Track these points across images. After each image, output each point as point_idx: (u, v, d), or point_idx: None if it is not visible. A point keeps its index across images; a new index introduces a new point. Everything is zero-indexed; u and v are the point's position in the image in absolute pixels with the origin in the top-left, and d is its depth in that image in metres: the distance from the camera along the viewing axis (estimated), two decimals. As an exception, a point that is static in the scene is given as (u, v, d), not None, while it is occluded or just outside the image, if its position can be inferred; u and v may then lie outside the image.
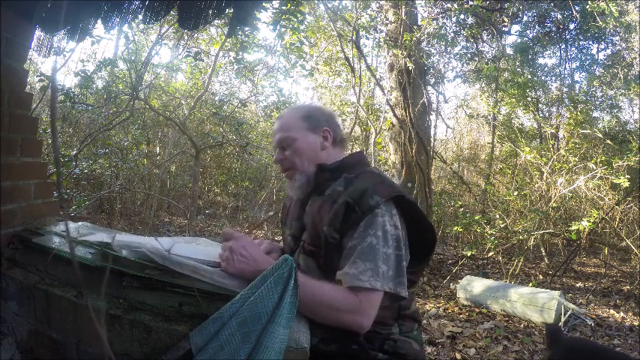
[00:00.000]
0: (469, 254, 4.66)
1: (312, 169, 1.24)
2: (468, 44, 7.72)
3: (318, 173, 1.23)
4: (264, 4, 4.04)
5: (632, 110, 9.26)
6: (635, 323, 3.66)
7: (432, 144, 6.81)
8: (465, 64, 8.11)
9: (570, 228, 4.70)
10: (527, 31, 8.71)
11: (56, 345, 1.05)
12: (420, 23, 6.01)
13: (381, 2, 6.11)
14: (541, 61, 10.19)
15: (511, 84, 7.23)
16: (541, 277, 5.30)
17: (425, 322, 3.53)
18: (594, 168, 5.32)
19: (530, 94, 7.57)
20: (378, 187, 1.10)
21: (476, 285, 4.07)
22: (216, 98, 7.99)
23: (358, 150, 7.03)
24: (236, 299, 0.91)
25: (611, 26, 7.11)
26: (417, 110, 5.59)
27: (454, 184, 8.91)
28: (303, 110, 1.30)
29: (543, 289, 3.78)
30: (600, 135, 6.42)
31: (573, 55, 9.31)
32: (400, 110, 5.63)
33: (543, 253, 6.18)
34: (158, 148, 8.81)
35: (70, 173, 5.02)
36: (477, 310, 3.89)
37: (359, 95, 6.20)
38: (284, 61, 7.41)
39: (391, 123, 5.90)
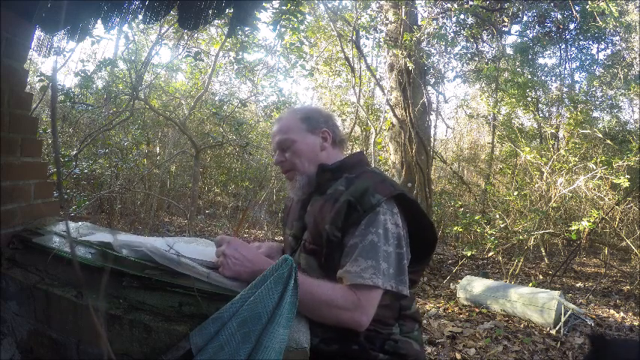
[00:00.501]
0: (469, 254, 4.66)
1: (313, 170, 1.25)
2: (468, 44, 7.72)
3: (320, 173, 1.24)
4: (264, 4, 4.04)
5: (632, 110, 9.27)
6: (635, 323, 3.66)
7: (432, 144, 6.81)
8: (465, 64, 8.11)
9: (570, 228, 4.70)
10: (527, 31, 8.71)
11: (56, 345, 1.05)
12: (420, 23, 6.01)
13: (381, 2, 6.11)
14: (541, 61, 10.20)
15: (511, 84, 7.23)
16: (541, 277, 5.30)
17: (425, 322, 3.53)
18: (594, 168, 5.32)
19: (530, 94, 7.57)
20: (379, 186, 1.11)
21: (476, 285, 4.07)
22: (216, 98, 7.99)
23: (358, 150, 7.04)
24: (236, 299, 0.91)
25: (611, 26, 7.11)
26: (417, 110, 5.59)
27: (454, 184, 8.91)
28: (301, 112, 1.31)
29: (543, 289, 3.78)
30: (600, 135, 6.42)
31: (573, 55, 9.32)
32: (400, 110, 5.63)
33: (543, 253, 6.18)
34: (158, 148, 8.81)
35: (70, 173, 5.02)
36: (477, 310, 3.89)
37: (359, 95, 6.20)
38: (284, 61, 7.42)
39: (391, 123, 5.90)
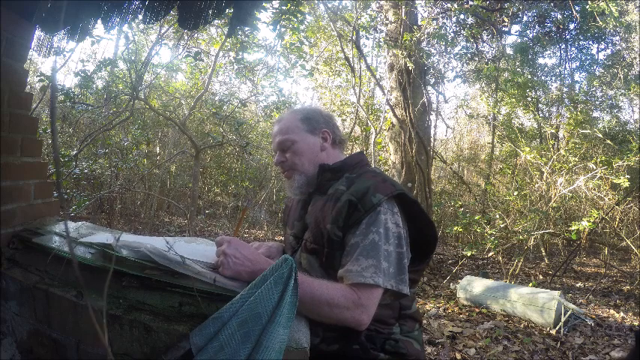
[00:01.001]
0: (469, 254, 4.66)
1: (313, 170, 1.26)
2: (468, 44, 7.72)
3: (320, 173, 1.25)
4: (264, 4, 4.05)
5: (632, 110, 9.28)
6: (635, 323, 3.66)
7: (432, 144, 6.80)
8: (465, 64, 8.11)
9: (570, 228, 4.70)
10: (527, 31, 8.71)
11: (56, 345, 1.05)
12: (420, 23, 6.01)
13: (381, 2, 6.11)
14: (541, 61, 10.21)
15: (511, 84, 7.23)
16: (541, 277, 5.30)
17: (425, 322, 3.53)
18: (594, 168, 5.32)
19: (530, 94, 7.57)
20: (380, 186, 1.11)
21: (476, 285, 4.07)
22: (216, 98, 7.98)
23: (358, 150, 7.04)
24: (236, 299, 0.91)
25: (611, 26, 7.11)
26: (417, 110, 5.59)
27: (454, 184, 8.91)
28: (301, 112, 1.31)
29: (543, 289, 3.78)
30: (600, 135, 6.42)
31: (573, 55, 9.33)
32: (400, 110, 5.63)
33: (543, 253, 6.18)
34: (158, 148, 8.81)
35: (70, 173, 5.02)
36: (477, 310, 3.89)
37: (359, 95, 6.20)
38: (284, 61, 7.42)
39: (391, 123, 5.90)
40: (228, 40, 5.87)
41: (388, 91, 5.70)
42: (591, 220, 4.56)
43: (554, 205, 5.62)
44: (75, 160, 5.25)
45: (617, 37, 8.59)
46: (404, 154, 5.61)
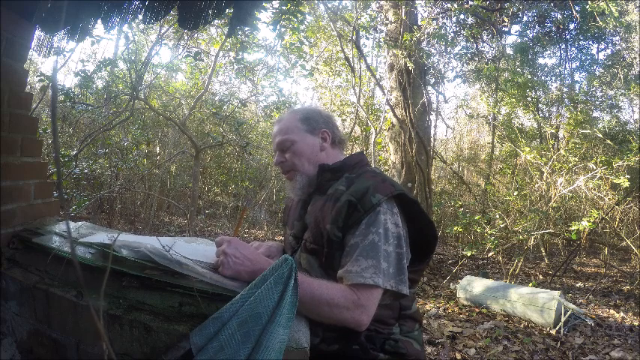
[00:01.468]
0: (469, 254, 4.66)
1: (313, 170, 1.26)
2: (468, 44, 7.72)
3: (320, 173, 1.25)
4: (264, 4, 4.05)
5: (632, 110, 9.28)
6: (635, 323, 3.66)
7: (432, 144, 6.81)
8: (465, 64, 8.11)
9: (570, 228, 4.70)
10: (527, 31, 8.71)
11: (56, 345, 1.05)
12: (420, 23, 6.01)
13: (381, 2, 6.11)
14: (541, 61, 10.21)
15: (511, 84, 7.23)
16: (541, 277, 5.30)
17: (425, 322, 3.53)
18: (594, 168, 5.32)
19: (530, 94, 7.57)
20: (380, 186, 1.11)
21: (476, 285, 4.07)
22: (216, 98, 7.98)
23: (358, 150, 7.04)
24: (236, 299, 0.91)
25: (611, 26, 7.11)
26: (417, 110, 5.59)
27: (454, 184, 8.91)
28: (301, 112, 1.32)
29: (543, 289, 3.78)
30: (600, 135, 6.42)
31: (573, 55, 9.33)
32: (400, 110, 5.63)
33: (543, 253, 6.18)
34: (158, 148, 8.81)
35: (70, 173, 5.02)
36: (477, 310, 3.89)
37: (359, 95, 6.20)
38: (284, 61, 7.42)
39: (391, 123, 5.90)
40: (228, 40, 5.87)
41: (388, 91, 5.70)
42: (591, 220, 4.56)
43: (554, 205, 5.62)
44: (75, 160, 5.25)
45: (617, 37, 8.60)
46: (404, 154, 5.61)
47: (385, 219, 1.07)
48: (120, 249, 1.08)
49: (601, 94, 8.18)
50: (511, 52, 8.76)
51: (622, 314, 3.90)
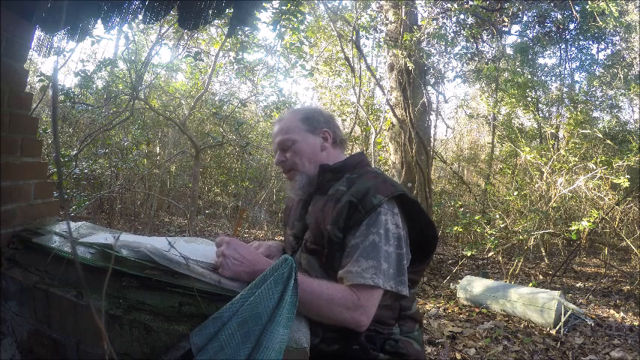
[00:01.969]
0: (469, 254, 4.66)
1: (313, 170, 1.26)
2: (468, 44, 7.72)
3: (321, 174, 1.25)
4: (264, 4, 4.05)
5: (632, 110, 9.28)
6: (635, 323, 3.66)
7: (432, 144, 6.81)
8: (465, 64, 8.11)
9: (570, 228, 4.70)
10: (527, 31, 8.72)
11: (56, 345, 1.05)
12: (420, 23, 6.01)
13: (381, 2, 6.11)
14: (541, 61, 10.21)
15: (511, 84, 7.23)
16: (541, 277, 5.30)
17: (425, 322, 3.53)
18: (594, 168, 5.32)
19: (530, 94, 7.57)
20: (381, 187, 1.11)
21: (476, 285, 4.07)
22: (216, 98, 7.98)
23: (358, 150, 7.04)
24: (236, 299, 0.91)
25: (611, 26, 7.11)
26: (417, 110, 5.59)
27: (454, 184, 8.91)
28: (302, 112, 1.31)
29: (543, 289, 3.78)
30: (600, 135, 6.42)
31: (573, 55, 9.33)
32: (400, 110, 5.63)
33: (543, 253, 6.18)
34: (158, 148, 8.81)
35: (70, 173, 5.02)
36: (477, 310, 3.89)
37: (359, 95, 6.20)
38: (284, 61, 7.42)
39: (391, 123, 5.90)
40: (228, 40, 5.87)
41: (388, 91, 5.70)
42: (591, 220, 4.56)
43: (554, 205, 5.62)
44: (75, 160, 5.25)
45: (617, 37, 8.60)
46: (404, 154, 5.61)
47: (386, 220, 1.07)
48: (120, 249, 1.08)
49: (601, 94, 8.19)
50: (511, 52, 8.76)
51: (622, 314, 3.90)
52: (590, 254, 6.74)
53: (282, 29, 4.80)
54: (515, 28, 8.91)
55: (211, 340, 0.86)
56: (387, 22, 5.95)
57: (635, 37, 8.06)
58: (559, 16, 8.05)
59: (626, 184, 4.77)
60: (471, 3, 6.06)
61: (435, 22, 6.13)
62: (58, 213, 1.50)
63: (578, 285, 4.98)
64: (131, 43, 5.71)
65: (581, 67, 9.26)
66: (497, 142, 8.84)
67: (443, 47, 6.60)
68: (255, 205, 7.59)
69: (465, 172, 10.41)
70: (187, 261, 1.04)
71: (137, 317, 0.93)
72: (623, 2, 7.53)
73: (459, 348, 3.06)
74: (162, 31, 5.86)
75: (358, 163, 1.28)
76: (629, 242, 5.27)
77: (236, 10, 1.51)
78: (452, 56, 7.47)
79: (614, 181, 4.93)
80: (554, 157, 6.07)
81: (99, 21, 1.39)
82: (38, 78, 4.78)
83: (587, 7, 6.68)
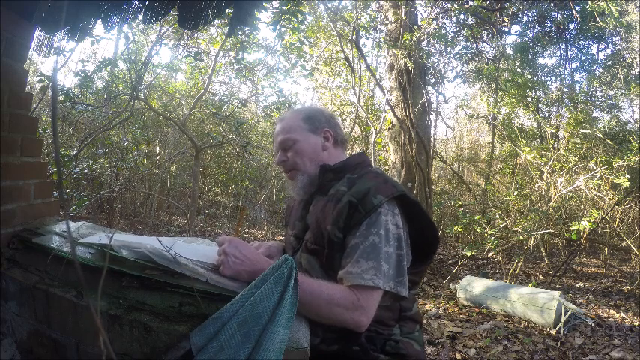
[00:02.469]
0: (469, 254, 4.66)
1: (314, 170, 1.25)
2: (468, 44, 7.72)
3: (322, 174, 1.25)
4: (264, 4, 4.05)
5: (632, 110, 9.28)
6: (635, 323, 3.66)
7: (432, 144, 6.81)
8: (465, 64, 8.11)
9: (570, 228, 4.70)
10: (527, 31, 8.72)
11: (56, 345, 1.05)
12: (420, 23, 6.01)
13: (381, 2, 6.11)
14: (541, 61, 10.22)
15: (511, 84, 7.23)
16: (541, 277, 5.30)
17: (425, 322, 3.53)
18: (594, 168, 5.32)
19: (530, 94, 7.57)
20: (381, 187, 1.11)
21: (476, 285, 4.07)
22: (216, 98, 7.98)
23: (359, 150, 7.04)
24: (236, 299, 0.91)
25: (611, 26, 7.11)
26: (417, 110, 5.59)
27: (454, 184, 8.91)
28: (303, 112, 1.31)
29: (543, 289, 3.78)
30: (600, 135, 6.42)
31: (573, 55, 9.33)
32: (400, 110, 5.63)
33: (543, 253, 6.18)
34: (158, 148, 8.82)
35: (70, 173, 5.02)
36: (477, 310, 3.89)
37: (359, 95, 6.20)
38: (284, 61, 7.42)
39: (391, 123, 5.90)
40: (228, 40, 5.87)
41: (388, 91, 5.70)
42: (591, 220, 4.56)
43: (554, 205, 5.62)
44: (75, 160, 5.25)
45: (617, 37, 8.60)
46: (404, 154, 5.61)
47: (386, 220, 1.07)
48: (120, 249, 1.08)
49: (601, 94, 8.19)
50: (511, 52, 8.76)
51: (622, 314, 3.90)
52: (590, 254, 6.74)
53: (282, 29, 4.80)
54: (515, 28, 8.92)
55: (211, 340, 0.86)
56: (387, 22, 5.95)
57: (635, 37, 8.06)
58: (559, 16, 8.05)
59: (626, 184, 4.77)
60: (471, 3, 6.06)
61: (435, 22, 6.13)
62: (58, 213, 1.50)
63: (578, 285, 4.98)
64: (131, 43, 5.71)
65: (581, 67, 9.27)
66: (497, 142, 8.85)
67: (443, 47, 6.60)
68: (255, 205, 7.59)
69: (465, 172, 10.42)
70: (182, 262, 1.04)
71: (137, 317, 0.93)
72: (623, 2, 7.54)
73: (459, 348, 3.06)
74: (163, 31, 5.87)
75: (359, 163, 1.28)
76: (629, 242, 5.27)
77: (236, 10, 1.51)
78: (452, 56, 7.47)
79: (614, 181, 4.93)
80: (554, 157, 6.07)
81: (99, 21, 1.39)
82: (38, 78, 4.78)
83: (587, 7, 6.68)
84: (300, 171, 1.25)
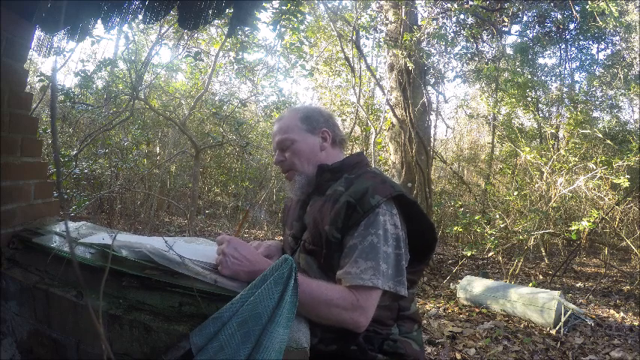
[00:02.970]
0: (469, 254, 4.66)
1: (312, 170, 1.25)
2: (468, 44, 7.72)
3: (319, 174, 1.24)
4: (264, 4, 4.05)
5: (632, 110, 9.28)
6: (635, 323, 3.66)
7: (432, 144, 6.80)
8: (465, 64, 8.11)
9: (570, 228, 4.70)
10: (527, 31, 8.71)
11: (56, 345, 1.05)
12: (420, 23, 6.01)
13: (381, 2, 6.11)
14: (541, 61, 10.22)
15: (511, 84, 7.23)
16: (541, 277, 5.30)
17: (425, 322, 3.53)
18: (594, 168, 5.32)
19: (530, 94, 7.57)
20: (379, 187, 1.11)
21: (476, 285, 4.07)
22: (216, 98, 7.98)
23: (358, 150, 7.04)
24: (236, 299, 0.91)
25: (611, 26, 7.11)
26: (417, 110, 5.59)
27: (454, 184, 8.91)
28: (301, 112, 1.31)
29: (543, 289, 3.78)
30: (600, 135, 6.42)
31: (573, 55, 9.33)
32: (400, 110, 5.63)
33: (543, 253, 6.18)
34: (158, 148, 8.81)
35: (70, 173, 5.02)
36: (477, 310, 3.89)
37: (359, 95, 6.20)
38: (284, 61, 7.42)
39: (391, 123, 5.90)
40: (228, 40, 5.87)
41: (388, 91, 5.70)
42: (591, 220, 4.56)
43: (554, 205, 5.62)
44: (75, 160, 5.25)
45: (617, 37, 8.60)
46: (404, 154, 5.61)
47: (384, 220, 1.07)
48: (120, 249, 1.08)
49: (601, 94, 8.19)
50: (511, 52, 8.76)
51: (622, 314, 3.90)
52: (590, 254, 6.74)
53: (282, 29, 4.80)
54: (515, 28, 8.92)
55: (211, 340, 0.86)
56: (387, 22, 5.94)
57: (635, 37, 8.06)
58: (559, 16, 8.05)
59: (626, 184, 4.77)
60: (471, 3, 6.05)
61: (435, 22, 6.12)
62: (58, 213, 1.50)
63: (578, 285, 4.98)
64: (131, 43, 5.71)
65: (581, 67, 9.27)
66: (497, 142, 8.85)
67: (443, 47, 6.60)
68: (255, 205, 7.59)
69: (465, 172, 10.41)
70: (184, 260, 1.04)
71: (137, 317, 0.93)
72: (623, 2, 7.53)
73: (459, 348, 3.06)
74: (163, 31, 5.87)
75: (357, 163, 1.27)
76: (629, 242, 5.27)
77: (236, 10, 1.51)
78: (452, 56, 7.47)
79: (614, 181, 4.93)
80: (554, 157, 6.07)
81: (99, 21, 1.39)
82: (38, 78, 4.78)
83: (587, 7, 6.68)
84: (298, 171, 1.25)
